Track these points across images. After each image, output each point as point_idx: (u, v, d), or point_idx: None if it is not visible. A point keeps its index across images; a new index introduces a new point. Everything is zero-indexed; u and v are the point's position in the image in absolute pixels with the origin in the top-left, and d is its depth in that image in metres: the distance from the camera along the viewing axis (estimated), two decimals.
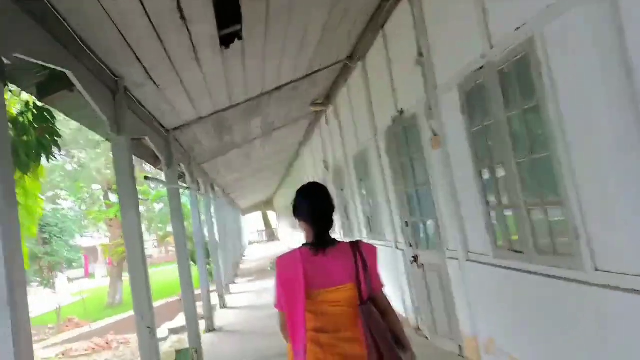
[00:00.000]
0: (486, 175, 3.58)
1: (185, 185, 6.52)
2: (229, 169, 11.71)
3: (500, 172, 3.37)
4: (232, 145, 8.84)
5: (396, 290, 6.28)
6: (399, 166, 5.25)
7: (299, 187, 2.15)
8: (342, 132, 8.25)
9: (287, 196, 23.76)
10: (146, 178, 3.88)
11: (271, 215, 41.85)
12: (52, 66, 2.79)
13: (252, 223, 44.92)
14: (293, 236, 24.28)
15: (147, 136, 4.88)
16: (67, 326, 15.69)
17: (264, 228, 45.47)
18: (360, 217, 7.93)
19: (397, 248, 6.03)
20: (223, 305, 9.88)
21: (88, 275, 42.32)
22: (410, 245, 5.31)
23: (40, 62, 2.68)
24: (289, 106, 7.64)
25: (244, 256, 25.63)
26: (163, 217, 19.82)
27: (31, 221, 9.11)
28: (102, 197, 19.97)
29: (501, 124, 3.17)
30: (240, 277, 15.59)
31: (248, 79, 5.32)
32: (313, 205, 2.01)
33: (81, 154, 18.09)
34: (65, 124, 18.72)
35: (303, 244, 2.00)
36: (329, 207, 2.02)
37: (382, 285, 2.01)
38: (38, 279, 16.96)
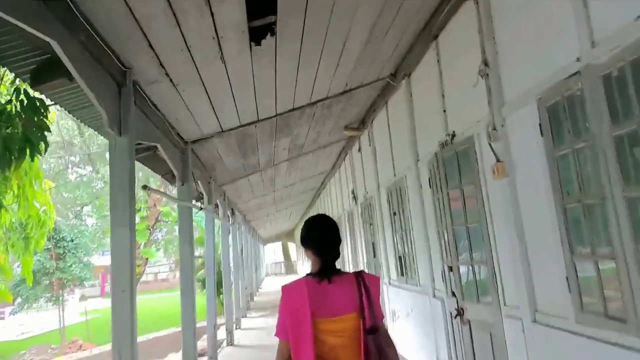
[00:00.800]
0: (574, 212, 2.77)
1: (199, 205, 5.88)
2: (250, 194, 11.09)
3: (597, 210, 2.57)
4: (256, 167, 8.23)
5: (429, 346, 5.36)
6: (444, 199, 4.47)
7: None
8: (376, 159, 7.54)
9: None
10: (145, 187, 3.26)
11: (291, 246, 40.95)
12: (34, 31, 2.21)
13: (271, 253, 44.03)
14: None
15: (160, 144, 4.27)
16: (70, 348, 15.03)
17: (283, 259, 44.48)
18: (391, 256, 7.09)
19: (434, 296, 5.16)
20: (231, 342, 9.03)
21: (104, 294, 41.95)
22: (454, 295, 4.46)
23: (19, 23, 2.10)
24: (320, 128, 7.01)
25: (260, 288, 24.72)
26: None
27: (40, 234, 8.56)
28: None
29: (603, 146, 2.40)
30: (254, 311, 14.70)
31: (279, 88, 4.71)
32: (322, 236, 2.08)
33: (106, 169, 17.90)
34: (94, 138, 18.78)
35: (308, 274, 2.06)
36: (337, 239, 2.10)
37: (383, 316, 2.05)
38: (47, 295, 16.47)
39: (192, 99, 4.24)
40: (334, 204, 13.25)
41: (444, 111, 4.50)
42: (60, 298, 16.19)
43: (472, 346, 4.10)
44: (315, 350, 1.86)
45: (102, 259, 29.24)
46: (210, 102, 4.44)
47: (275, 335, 2.00)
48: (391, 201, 6.84)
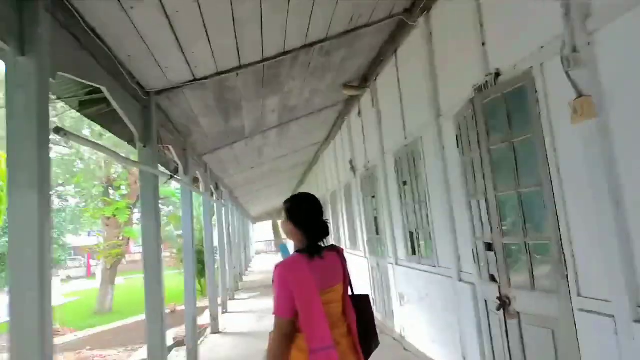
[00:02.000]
0: None
1: (167, 172, 4.81)
2: (236, 167, 10.02)
3: None
4: (241, 134, 7.15)
5: (450, 339, 4.46)
6: (484, 159, 3.46)
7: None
8: (381, 123, 6.51)
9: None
10: (58, 131, 2.21)
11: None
12: None
13: (261, 232, 43.18)
14: None
15: (106, 87, 3.19)
16: None
17: (273, 238, 43.70)
18: (398, 232, 6.13)
19: (460, 280, 4.22)
20: (216, 329, 8.09)
21: (90, 274, 40.86)
22: (494, 280, 3.50)
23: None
24: (316, 84, 5.93)
25: (250, 267, 23.86)
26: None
27: None
28: (96, 193, 18.39)
29: None
30: (242, 292, 13.80)
31: (266, 21, 3.61)
32: (316, 215, 2.19)
33: (81, 146, 16.58)
34: (66, 115, 17.38)
35: (297, 251, 2.15)
36: (326, 220, 2.22)
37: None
38: None
39: (149, 27, 3.14)
40: (327, 177, 12.24)
41: (483, 44, 3.45)
42: None
43: (523, 347, 3.16)
44: (326, 314, 1.96)
45: (84, 239, 28.07)
46: (175, 33, 3.34)
47: (275, 313, 2.02)
48: (400, 169, 5.85)
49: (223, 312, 10.14)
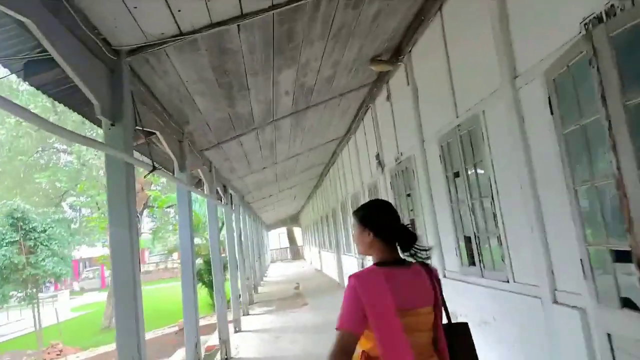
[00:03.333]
0: None
1: (146, 162, 3.65)
2: (246, 167, 8.89)
3: None
4: (249, 122, 6.02)
5: None
6: (611, 121, 2.25)
7: (365, 204, 2.06)
8: (418, 104, 5.32)
9: (316, 211, 20.91)
10: None
11: (297, 231, 39.00)
12: None
13: (275, 239, 42.07)
14: (320, 255, 21.35)
15: (31, 19, 2.06)
16: (48, 353, 13.03)
17: (288, 245, 42.57)
18: (447, 237, 4.91)
19: (557, 302, 3.00)
20: (225, 354, 6.93)
21: (104, 286, 40.08)
22: (632, 306, 2.28)
23: None
24: (339, 52, 4.77)
25: (265, 276, 22.71)
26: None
27: None
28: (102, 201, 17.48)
29: None
30: (257, 306, 12.63)
31: None
32: (396, 221, 1.93)
33: (83, 149, 15.59)
34: (68, 116, 16.50)
35: (376, 263, 1.85)
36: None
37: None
38: (19, 294, 14.39)
39: None
40: (347, 179, 11.05)
41: None
42: (34, 296, 14.10)
43: None
44: (411, 343, 1.64)
45: (93, 251, 27.19)
46: None
47: (339, 327, 1.68)
48: (448, 158, 4.65)
49: (236, 331, 8.98)
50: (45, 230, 14.14)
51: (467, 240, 4.51)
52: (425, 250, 1.91)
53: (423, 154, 5.31)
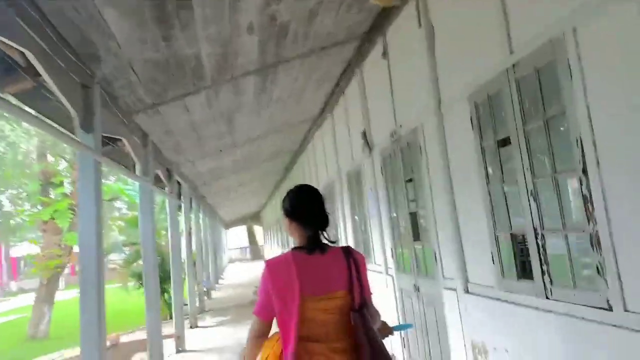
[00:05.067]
0: None
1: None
2: (198, 147, 7.16)
3: None
4: (198, 73, 4.34)
5: None
6: None
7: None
8: (436, 48, 3.82)
9: (279, 208, 19.13)
10: None
11: (258, 230, 37.15)
12: None
13: (234, 238, 39.96)
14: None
15: None
16: None
17: (249, 244, 40.57)
18: (475, 236, 3.42)
19: None
20: None
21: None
22: None
23: None
24: None
25: (221, 279, 20.80)
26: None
27: None
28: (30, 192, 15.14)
29: None
30: (210, 315, 10.85)
31: None
32: (311, 205, 1.95)
33: (6, 127, 13.14)
34: None
35: (294, 248, 1.92)
36: (324, 208, 1.97)
37: (371, 294, 1.99)
38: None
39: None
40: (320, 169, 9.49)
41: None
42: None
43: None
44: (300, 330, 1.74)
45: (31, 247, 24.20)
46: None
47: (253, 313, 1.86)
48: (489, 119, 3.16)
49: (178, 351, 7.23)
50: None
51: (514, 239, 3.05)
52: (331, 241, 1.94)
53: (438, 120, 3.82)
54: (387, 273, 5.47)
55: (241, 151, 8.98)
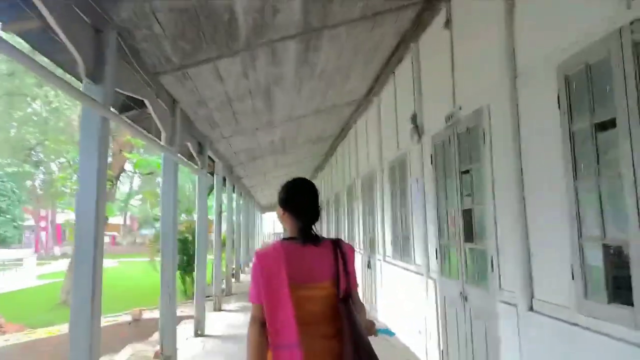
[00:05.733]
0: None
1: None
2: (231, 120, 6.70)
3: None
4: (229, 31, 3.82)
5: None
6: None
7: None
8: (516, 12, 3.12)
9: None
10: None
11: None
12: None
13: (270, 223, 39.91)
14: None
15: None
16: None
17: (283, 230, 40.38)
18: (551, 245, 2.74)
19: None
20: None
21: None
22: None
23: None
24: None
25: (252, 262, 20.57)
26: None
27: None
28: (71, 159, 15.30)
29: None
30: (235, 299, 10.51)
31: None
32: (303, 198, 2.02)
33: (51, 94, 13.21)
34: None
35: (284, 238, 2.01)
36: (317, 202, 2.03)
37: (357, 285, 2.04)
38: None
39: None
40: (360, 157, 8.88)
41: None
42: None
43: None
44: (296, 314, 1.80)
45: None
46: None
47: (249, 300, 1.94)
48: (586, 95, 2.47)
49: (197, 334, 6.89)
50: None
51: (608, 251, 2.37)
52: (316, 236, 1.97)
53: (511, 99, 3.13)
54: (428, 276, 4.83)
55: (279, 132, 8.49)
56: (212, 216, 9.60)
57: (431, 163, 4.73)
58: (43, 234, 41.25)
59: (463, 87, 4.03)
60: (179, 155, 5.42)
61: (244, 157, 10.21)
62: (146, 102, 4.09)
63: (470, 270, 3.88)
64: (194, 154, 6.70)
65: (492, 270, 3.40)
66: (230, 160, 10.00)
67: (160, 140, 4.89)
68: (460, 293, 3.96)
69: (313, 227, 1.98)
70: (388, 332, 2.21)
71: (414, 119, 5.20)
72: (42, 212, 39.14)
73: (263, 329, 1.85)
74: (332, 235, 12.98)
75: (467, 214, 3.98)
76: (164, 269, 4.86)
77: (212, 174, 9.30)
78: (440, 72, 4.44)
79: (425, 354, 4.97)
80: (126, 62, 3.36)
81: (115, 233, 45.57)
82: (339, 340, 1.86)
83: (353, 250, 2.06)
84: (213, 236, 9.23)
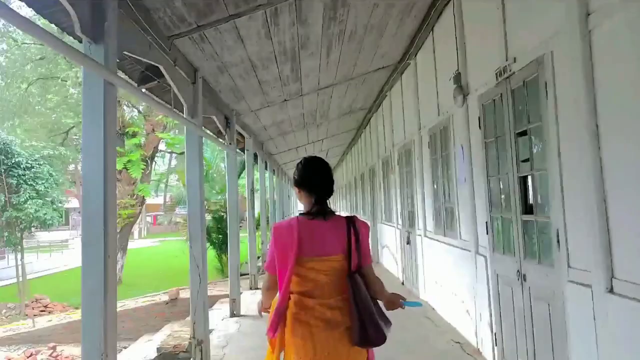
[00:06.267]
0: None
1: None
2: (258, 91, 6.32)
3: None
4: None
5: None
6: None
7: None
8: None
9: (349, 171, 18.31)
10: None
11: None
12: None
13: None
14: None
15: None
16: (32, 308, 11.30)
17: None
18: None
19: None
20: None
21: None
22: None
23: None
24: None
25: None
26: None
27: None
28: None
29: None
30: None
31: None
32: (317, 176, 2.12)
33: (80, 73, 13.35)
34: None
35: (300, 213, 2.13)
36: (330, 180, 2.14)
37: (371, 260, 2.13)
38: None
39: None
40: (396, 127, 8.36)
41: None
42: (17, 241, 12.27)
43: None
44: (296, 286, 2.01)
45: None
46: None
47: (264, 268, 2.14)
48: None
49: (232, 315, 6.73)
50: (31, 167, 12.17)
51: None
52: (330, 211, 2.09)
53: (582, 41, 2.58)
54: (477, 252, 4.37)
55: (308, 104, 8.06)
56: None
57: (479, 126, 4.21)
58: None
59: (517, 35, 3.47)
60: (203, 128, 5.10)
61: (274, 132, 9.86)
62: (162, 68, 3.74)
63: (529, 245, 3.39)
64: (221, 129, 6.39)
65: (558, 246, 2.92)
66: (260, 136, 9.68)
67: (182, 113, 4.58)
68: (518, 271, 3.50)
69: (327, 202, 2.09)
70: (416, 304, 2.26)
71: (457, 78, 4.65)
72: None
73: (273, 295, 2.09)
74: (369, 210, 12.59)
75: (524, 182, 3.47)
76: (194, 249, 4.60)
77: (243, 150, 9.02)
78: (488, 22, 3.87)
79: (475, 336, 4.55)
80: (132, 20, 3.00)
81: (157, 213, 46.72)
82: (345, 310, 1.98)
83: (367, 227, 2.14)
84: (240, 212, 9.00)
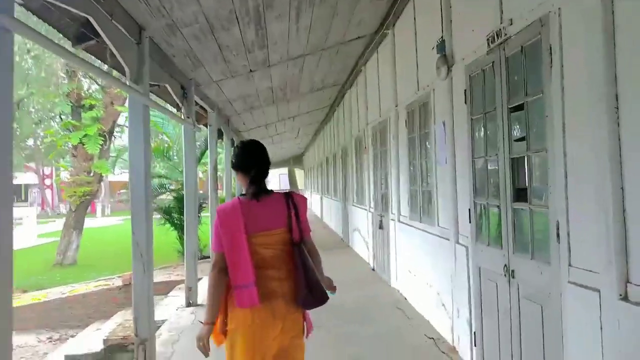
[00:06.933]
0: None
1: None
2: (217, 57, 5.65)
3: None
4: None
5: None
6: None
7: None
8: None
9: (321, 150, 17.74)
10: None
11: (299, 173, 36.12)
12: None
13: (275, 180, 39.16)
14: (322, 203, 18.48)
15: None
16: None
17: (289, 188, 39.78)
18: None
19: None
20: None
21: (94, 210, 37.65)
22: None
23: None
24: None
25: None
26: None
27: None
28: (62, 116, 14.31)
29: None
30: None
31: None
32: (252, 159, 2.28)
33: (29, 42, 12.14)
34: None
35: (241, 194, 2.29)
36: (266, 161, 2.31)
37: (310, 230, 2.31)
38: None
39: None
40: (371, 104, 7.85)
41: None
42: None
43: None
44: (253, 259, 2.10)
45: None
46: None
47: (212, 249, 2.27)
48: None
49: (188, 304, 6.18)
50: None
51: None
52: (268, 190, 2.26)
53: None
54: (457, 241, 3.94)
55: (278, 76, 7.44)
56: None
57: (465, 101, 3.73)
58: (48, 191, 41.08)
59: None
60: (153, 98, 4.45)
61: (240, 106, 9.18)
62: (92, 20, 3.07)
63: (521, 237, 2.96)
64: (177, 100, 5.72)
65: (558, 239, 2.48)
66: (225, 110, 8.98)
67: (125, 77, 3.91)
68: (505, 266, 3.07)
69: (264, 182, 2.25)
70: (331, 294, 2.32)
71: (441, 46, 4.14)
72: (47, 171, 38.73)
73: (222, 274, 2.14)
74: (340, 192, 12.14)
75: (517, 164, 3.02)
76: (137, 235, 4.00)
77: (206, 126, 8.33)
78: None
79: (451, 333, 4.16)
80: None
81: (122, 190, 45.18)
82: (292, 280, 2.17)
83: (305, 200, 2.33)
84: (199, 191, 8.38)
